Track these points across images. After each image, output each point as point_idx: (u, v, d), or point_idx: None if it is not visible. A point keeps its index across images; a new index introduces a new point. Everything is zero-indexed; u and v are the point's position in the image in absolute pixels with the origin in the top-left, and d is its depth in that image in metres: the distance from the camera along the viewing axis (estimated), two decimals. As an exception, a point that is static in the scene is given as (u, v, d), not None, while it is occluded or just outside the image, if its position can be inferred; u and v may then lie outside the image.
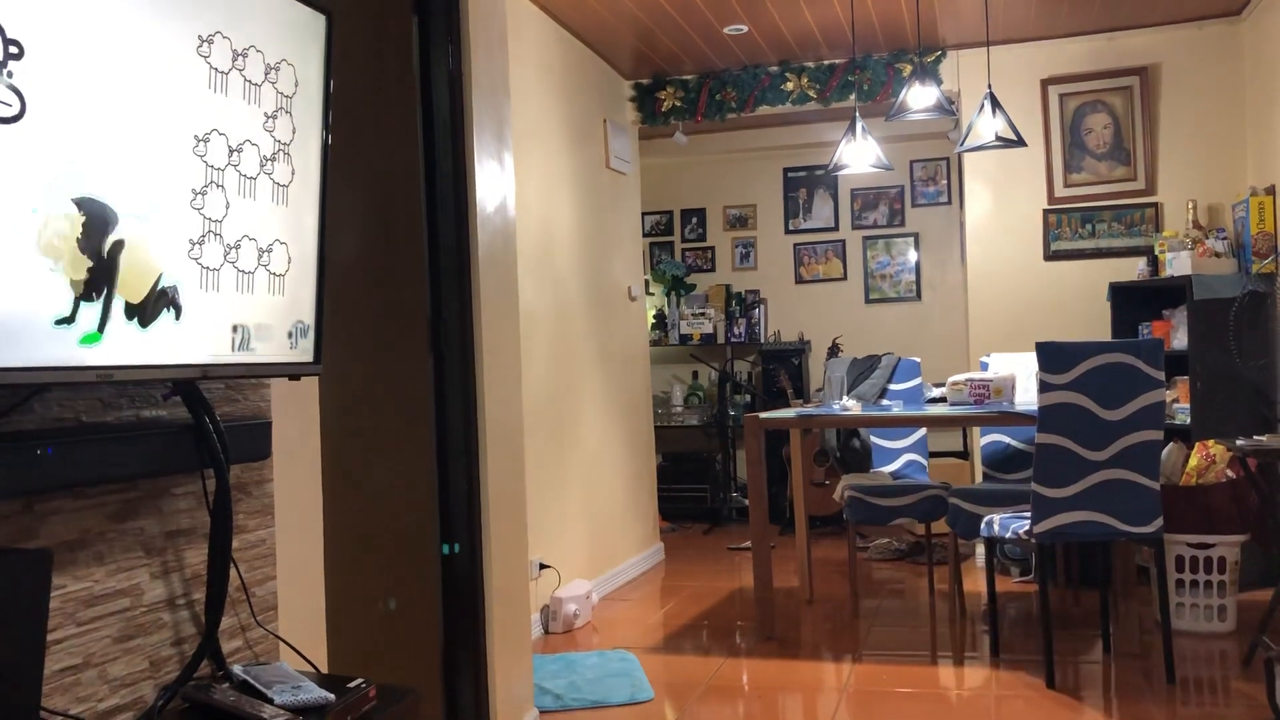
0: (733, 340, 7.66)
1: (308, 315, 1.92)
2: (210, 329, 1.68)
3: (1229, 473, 4.55)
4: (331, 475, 2.69)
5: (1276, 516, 4.33)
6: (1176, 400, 5.12)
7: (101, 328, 1.49)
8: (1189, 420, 4.98)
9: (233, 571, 1.89)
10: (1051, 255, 5.81)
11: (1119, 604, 4.63)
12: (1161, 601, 3.87)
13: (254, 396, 2.02)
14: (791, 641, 4.44)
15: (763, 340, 7.70)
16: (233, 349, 1.74)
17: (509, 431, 3.26)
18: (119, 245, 1.50)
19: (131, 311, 1.54)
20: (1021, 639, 4.36)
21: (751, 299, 7.78)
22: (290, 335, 1.88)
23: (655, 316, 7.77)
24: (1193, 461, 4.57)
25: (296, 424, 2.19)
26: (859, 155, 4.73)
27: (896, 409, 4.70)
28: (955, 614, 4.79)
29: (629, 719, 3.56)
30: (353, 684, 1.85)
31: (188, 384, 1.76)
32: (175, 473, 1.79)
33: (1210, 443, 4.56)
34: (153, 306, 1.57)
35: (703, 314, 7.68)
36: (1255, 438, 3.86)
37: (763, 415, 4.64)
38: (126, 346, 1.53)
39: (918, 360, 5.42)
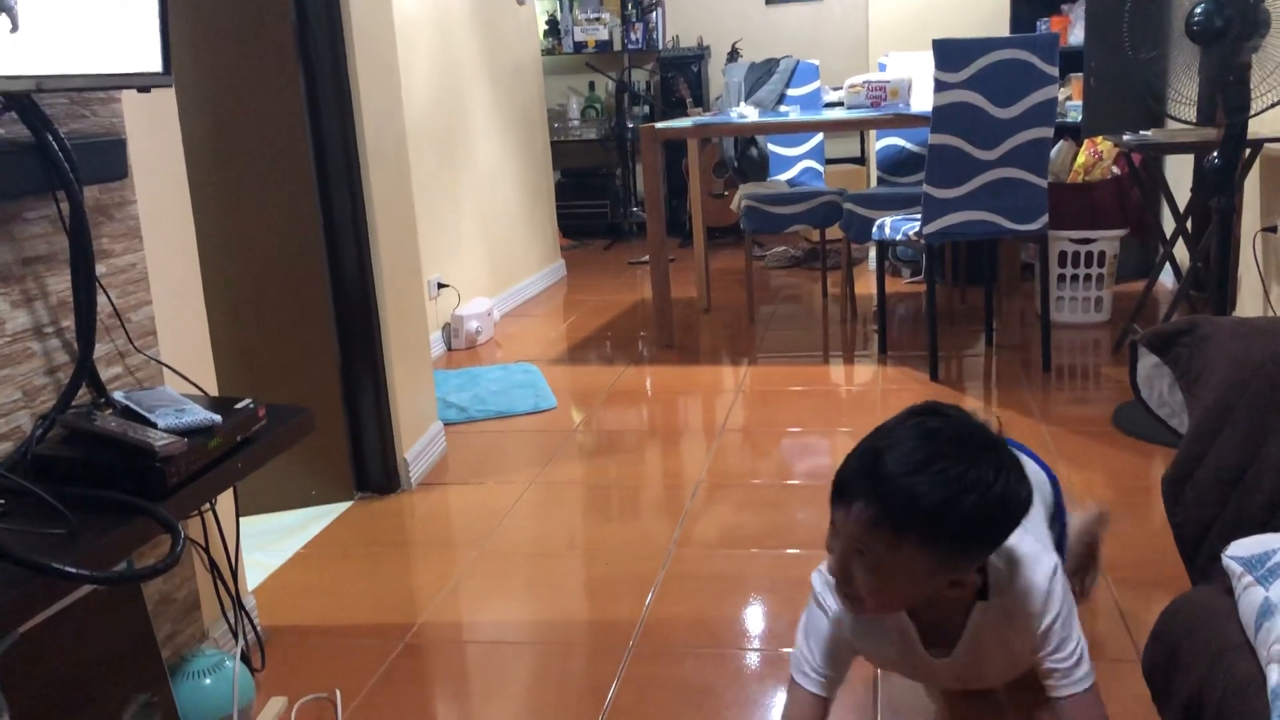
0: (630, 48, 7.37)
1: (151, 21, 1.76)
2: (44, 37, 1.53)
3: (1114, 169, 4.64)
4: (204, 199, 2.56)
5: (1155, 210, 4.46)
6: (1070, 98, 5.13)
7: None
8: (1080, 118, 5.01)
9: (103, 298, 1.81)
10: (954, -52, 5.61)
11: (1003, 301, 4.82)
12: (1043, 296, 4.03)
13: (104, 112, 1.88)
14: (690, 348, 4.55)
15: (661, 46, 7.44)
16: (70, 60, 1.59)
17: (392, 146, 3.13)
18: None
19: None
20: (909, 337, 4.54)
21: (648, 1, 7.44)
22: (133, 43, 1.72)
23: (547, 23, 7.41)
24: (1080, 159, 4.64)
25: (155, 142, 2.06)
26: None
27: (794, 115, 4.63)
28: (847, 316, 4.94)
29: (533, 427, 3.66)
30: (241, 405, 1.83)
31: (22, 98, 1.62)
32: (22, 195, 1.68)
33: (1099, 139, 4.62)
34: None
35: (597, 19, 7.34)
36: (1142, 133, 3.91)
37: (659, 125, 4.53)
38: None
39: (816, 63, 5.29)
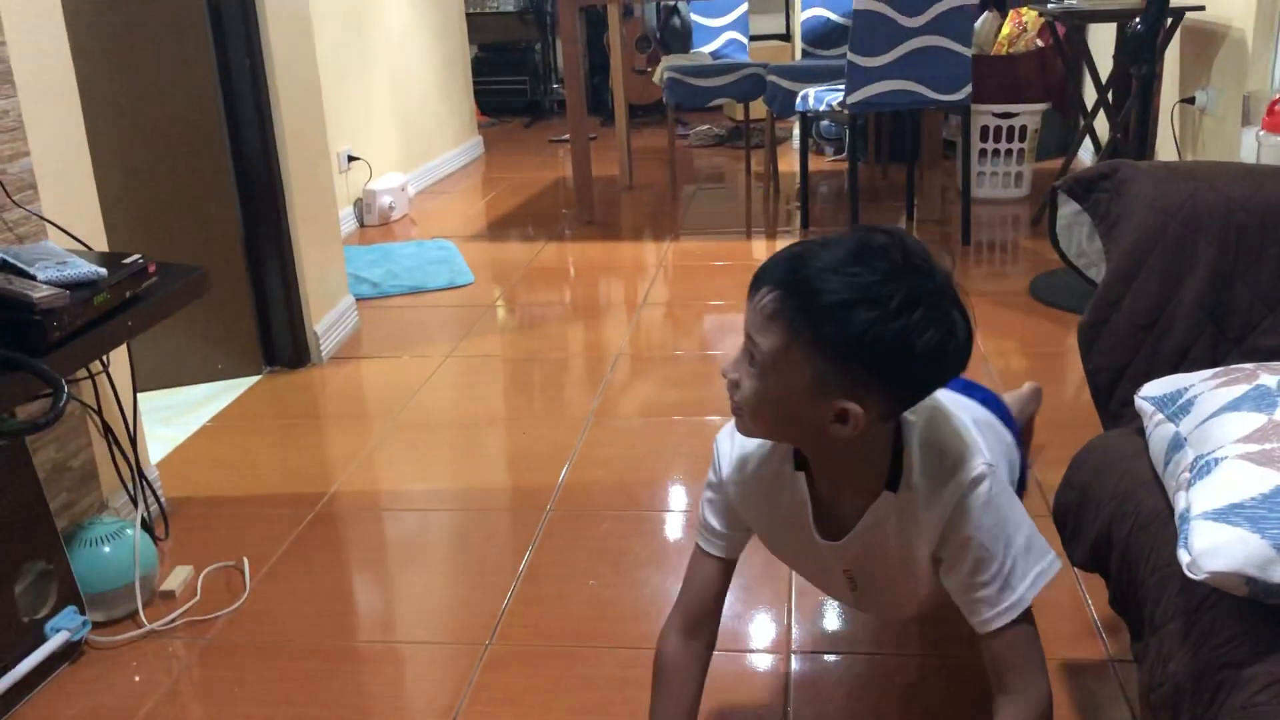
0: (548, -84, 7.09)
1: None
2: None
3: (1039, 41, 4.60)
4: (88, 52, 2.40)
5: (1078, 83, 4.45)
6: (995, -30, 5.06)
7: None
8: (1005, -9, 4.95)
9: (-26, 147, 1.69)
10: None
11: (924, 176, 4.81)
12: (964, 171, 4.01)
13: (-37, -57, 1.73)
14: (611, 225, 4.47)
15: (580, -83, 7.15)
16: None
17: (293, 6, 2.96)
18: None
19: None
20: (832, 213, 4.51)
21: None
22: None
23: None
24: (1005, 30, 4.59)
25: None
26: None
27: (716, -19, 4.50)
28: (770, 193, 4.89)
29: (449, 302, 3.58)
30: (129, 260, 1.74)
31: None
32: None
33: (1023, 10, 4.57)
34: None
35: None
36: (1066, 0, 3.86)
37: (577, -9, 4.37)
38: None
39: (741, -70, 5.13)
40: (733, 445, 1.33)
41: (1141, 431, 1.35)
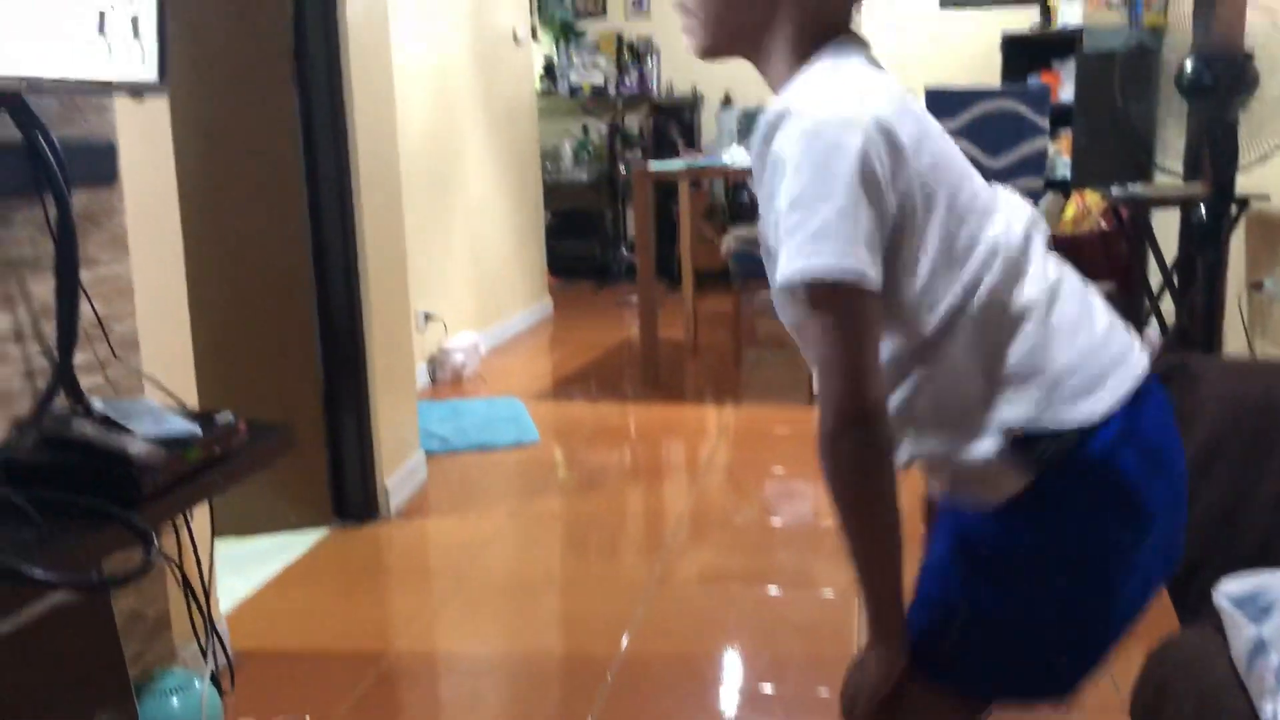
0: (624, 92, 7.43)
1: (150, 27, 1.75)
2: (37, 37, 1.52)
3: (1102, 223, 4.68)
4: (195, 214, 2.55)
5: (1142, 265, 4.49)
6: (1060, 153, 5.19)
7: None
8: (1069, 174, 5.06)
9: (87, 307, 1.79)
10: (946, 2, 5.69)
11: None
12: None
13: (96, 120, 1.87)
14: (675, 388, 4.54)
15: (655, 93, 7.49)
16: (64, 63, 1.58)
17: (385, 175, 3.13)
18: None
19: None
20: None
21: (644, 48, 7.51)
22: (129, 50, 1.71)
23: (544, 66, 7.47)
24: (1069, 212, 4.67)
25: (147, 151, 2.04)
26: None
27: (785, 159, 4.65)
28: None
29: (515, 460, 3.63)
30: (221, 418, 1.80)
31: (12, 97, 1.61)
32: (9, 195, 1.66)
33: (1086, 192, 4.66)
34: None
35: (594, 64, 7.41)
36: (1129, 186, 3.94)
37: (651, 166, 4.55)
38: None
39: (809, 111, 5.34)
40: (818, 97, 1.03)
41: (1220, 629, 1.33)
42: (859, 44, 1.10)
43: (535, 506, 3.17)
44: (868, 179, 0.97)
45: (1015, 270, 1.04)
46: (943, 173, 1.04)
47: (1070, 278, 1.10)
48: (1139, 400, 1.04)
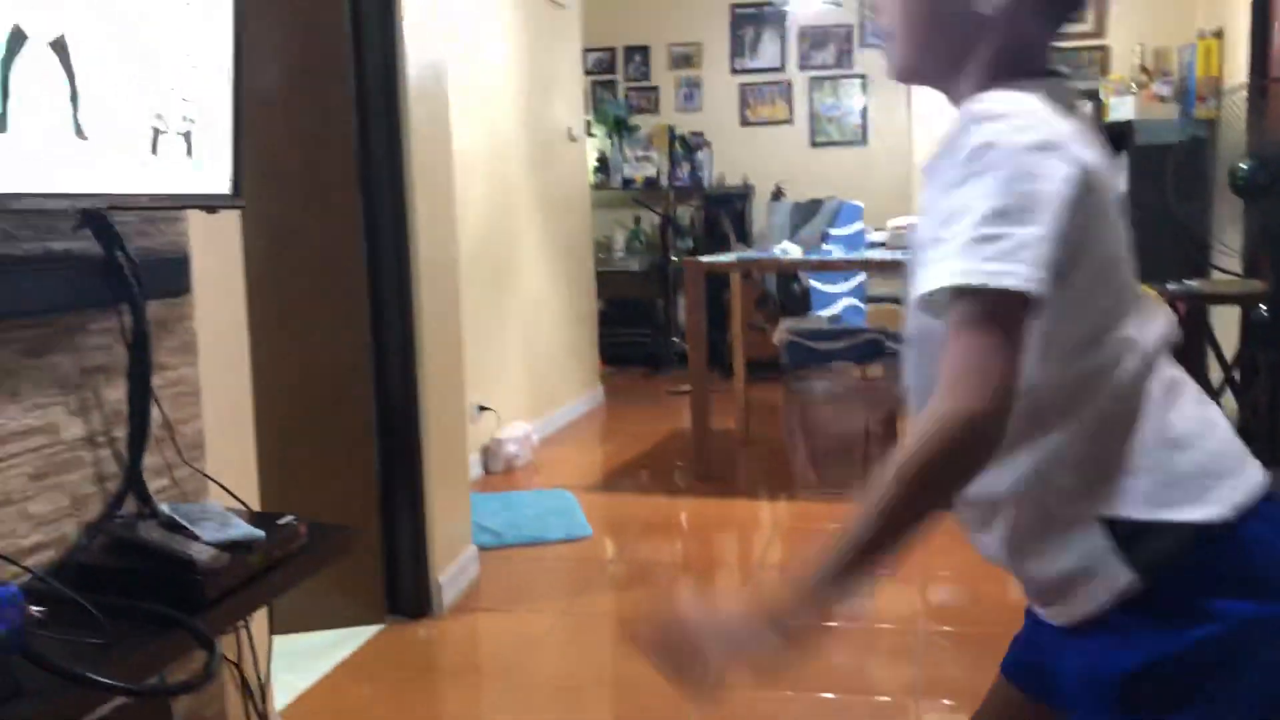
0: (676, 184, 7.55)
1: (225, 144, 1.83)
2: (120, 155, 1.60)
3: (1158, 318, 4.63)
4: (260, 315, 2.62)
5: (1201, 361, 4.43)
6: (1112, 246, 5.17)
7: (-4, 152, 1.39)
8: (1123, 266, 5.04)
9: (156, 410, 1.84)
10: (997, 99, 5.75)
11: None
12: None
13: (170, 231, 1.94)
14: (727, 480, 4.52)
15: (706, 184, 7.60)
16: (143, 179, 1.65)
17: (444, 271, 3.20)
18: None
19: (28, 135, 1.44)
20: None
21: (696, 142, 7.64)
22: (205, 165, 1.79)
23: (597, 159, 7.62)
24: (1124, 306, 4.64)
25: (217, 260, 2.12)
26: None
27: (837, 253, 4.69)
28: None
29: (567, 555, 3.63)
30: (283, 521, 1.84)
31: (97, 215, 1.68)
32: (89, 306, 1.72)
33: (1143, 287, 4.62)
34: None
35: (646, 157, 7.54)
36: (1185, 282, 3.92)
37: (703, 258, 4.61)
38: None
39: (860, 205, 5.38)
40: (1009, 116, 1.02)
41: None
42: (1060, 88, 1.09)
43: (587, 604, 3.16)
44: (1068, 213, 0.96)
45: (1146, 366, 1.05)
46: (1112, 245, 1.05)
47: (1192, 384, 1.11)
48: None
